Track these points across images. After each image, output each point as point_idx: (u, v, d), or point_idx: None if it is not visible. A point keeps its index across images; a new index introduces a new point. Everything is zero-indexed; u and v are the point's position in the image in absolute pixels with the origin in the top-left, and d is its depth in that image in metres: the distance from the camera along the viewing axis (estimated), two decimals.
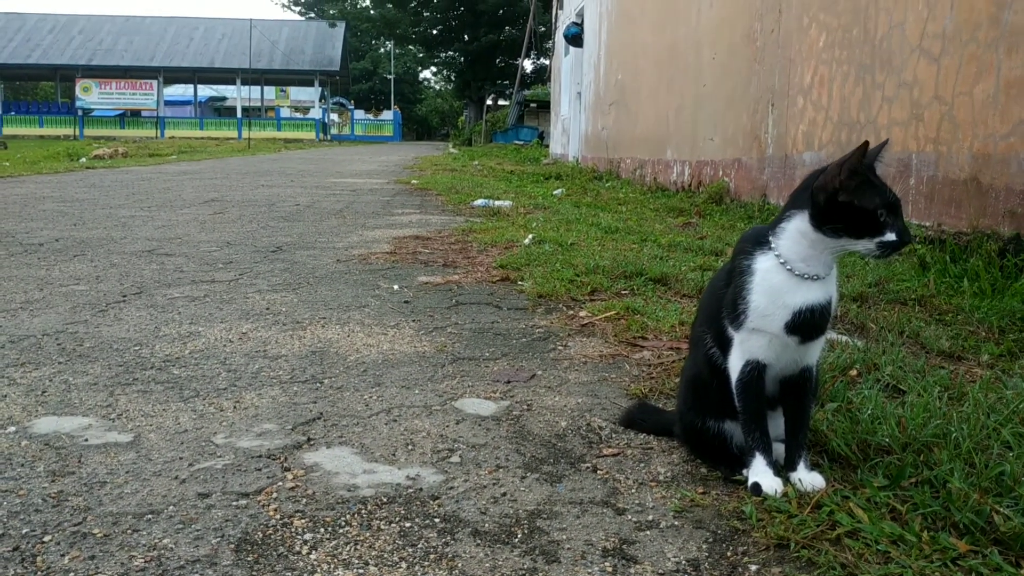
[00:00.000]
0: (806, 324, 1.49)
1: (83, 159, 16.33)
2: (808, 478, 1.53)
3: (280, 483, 1.60)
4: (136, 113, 42.85)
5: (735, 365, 1.57)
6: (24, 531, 1.39)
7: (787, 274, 1.49)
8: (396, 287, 3.59)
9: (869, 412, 1.80)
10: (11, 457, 1.70)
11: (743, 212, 6.36)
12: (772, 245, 1.51)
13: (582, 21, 15.57)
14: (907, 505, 1.43)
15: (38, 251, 4.48)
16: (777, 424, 1.63)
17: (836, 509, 1.43)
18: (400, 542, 1.39)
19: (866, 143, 1.43)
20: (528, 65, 44.36)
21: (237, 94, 45.01)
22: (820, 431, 1.74)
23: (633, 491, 1.60)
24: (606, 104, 13.05)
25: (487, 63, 47.92)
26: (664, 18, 9.70)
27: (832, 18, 5.40)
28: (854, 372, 2.22)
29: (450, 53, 51.82)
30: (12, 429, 1.86)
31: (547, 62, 32.11)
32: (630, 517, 1.49)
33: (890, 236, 1.44)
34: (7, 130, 40.01)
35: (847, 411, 1.84)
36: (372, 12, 49.43)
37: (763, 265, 1.51)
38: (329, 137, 46.25)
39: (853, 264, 3.81)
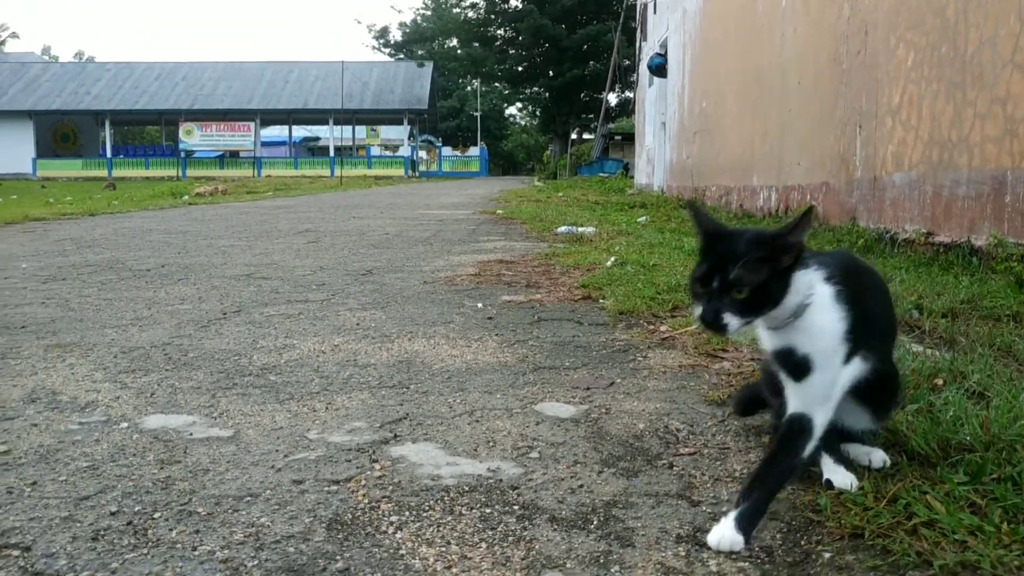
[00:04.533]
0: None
1: (185, 196, 17.15)
2: (874, 453, 1.59)
3: (368, 472, 1.69)
4: (235, 154, 44.73)
5: None
6: (136, 509, 1.52)
7: None
8: (480, 305, 3.69)
9: (951, 414, 1.78)
10: (124, 448, 1.84)
11: (831, 236, 6.25)
12: None
13: (666, 52, 15.62)
14: (987, 499, 1.42)
15: (146, 276, 4.75)
16: (857, 419, 1.63)
17: (913, 502, 1.43)
18: (480, 525, 1.45)
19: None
20: (612, 98, 44.49)
21: (330, 134, 46.56)
22: (900, 431, 1.73)
23: (708, 486, 1.62)
24: (690, 133, 13.02)
25: (571, 98, 48.24)
26: (748, 46, 9.67)
27: (920, 36, 5.32)
28: (939, 381, 2.18)
29: (535, 89, 52.37)
30: (124, 425, 2.01)
31: (631, 94, 32.16)
32: (704, 508, 1.52)
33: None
34: (116, 172, 42.26)
35: (928, 412, 1.82)
36: (459, 52, 50.42)
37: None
38: (418, 174, 47.22)
39: (944, 281, 3.73)
